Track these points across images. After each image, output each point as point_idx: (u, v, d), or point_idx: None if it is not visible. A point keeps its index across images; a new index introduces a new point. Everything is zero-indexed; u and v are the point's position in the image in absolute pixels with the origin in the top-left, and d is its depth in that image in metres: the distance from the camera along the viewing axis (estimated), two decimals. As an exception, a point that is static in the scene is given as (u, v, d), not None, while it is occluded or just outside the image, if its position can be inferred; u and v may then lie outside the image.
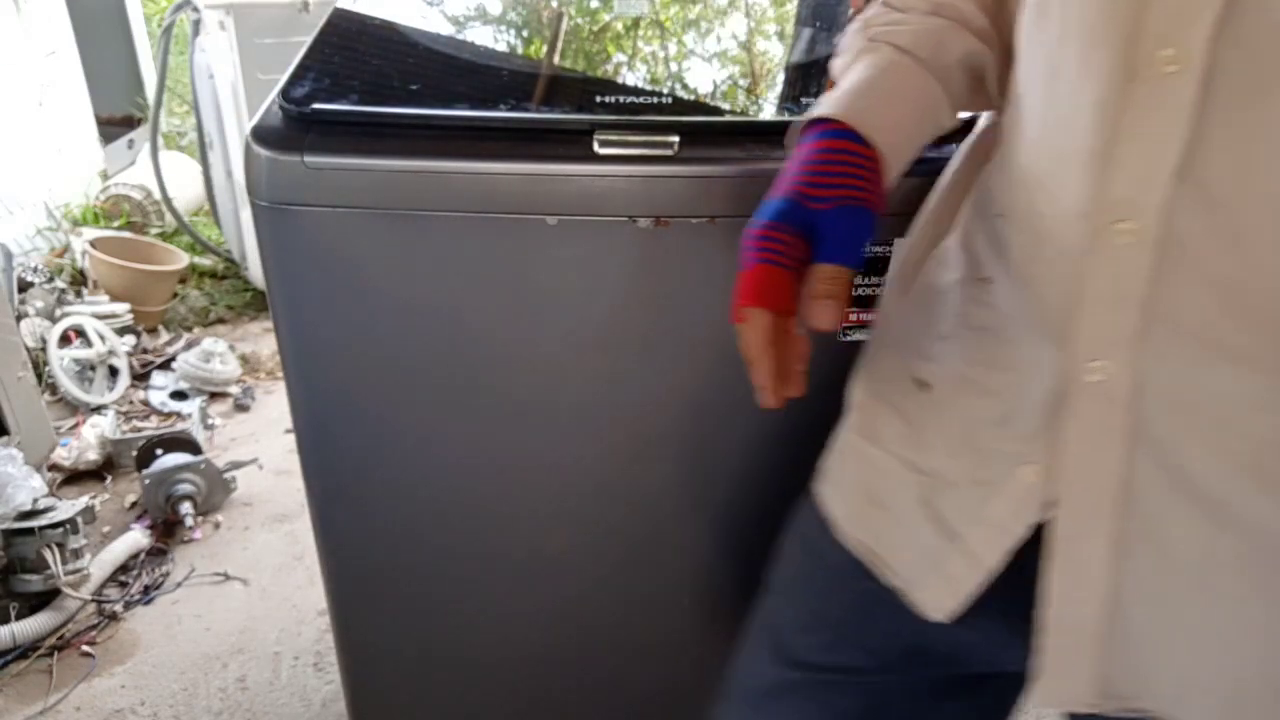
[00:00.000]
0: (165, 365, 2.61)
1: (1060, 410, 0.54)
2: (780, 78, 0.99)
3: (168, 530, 1.99)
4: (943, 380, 0.63)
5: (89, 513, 1.79)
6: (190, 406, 2.38)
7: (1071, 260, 0.51)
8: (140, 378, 2.57)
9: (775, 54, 1.03)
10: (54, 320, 2.51)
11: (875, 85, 0.62)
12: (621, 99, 0.88)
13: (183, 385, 2.51)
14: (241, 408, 2.50)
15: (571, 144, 0.81)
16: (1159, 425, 0.50)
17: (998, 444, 0.58)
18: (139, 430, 2.28)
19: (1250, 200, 0.44)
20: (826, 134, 0.60)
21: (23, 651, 1.66)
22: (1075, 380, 0.52)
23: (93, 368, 2.47)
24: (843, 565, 0.68)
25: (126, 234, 3.11)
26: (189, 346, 2.63)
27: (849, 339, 0.87)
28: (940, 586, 0.61)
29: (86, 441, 2.17)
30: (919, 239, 0.70)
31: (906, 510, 0.63)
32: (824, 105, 0.61)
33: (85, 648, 1.69)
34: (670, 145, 0.80)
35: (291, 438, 1.23)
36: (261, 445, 2.31)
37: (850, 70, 0.64)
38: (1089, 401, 0.52)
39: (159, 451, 2.06)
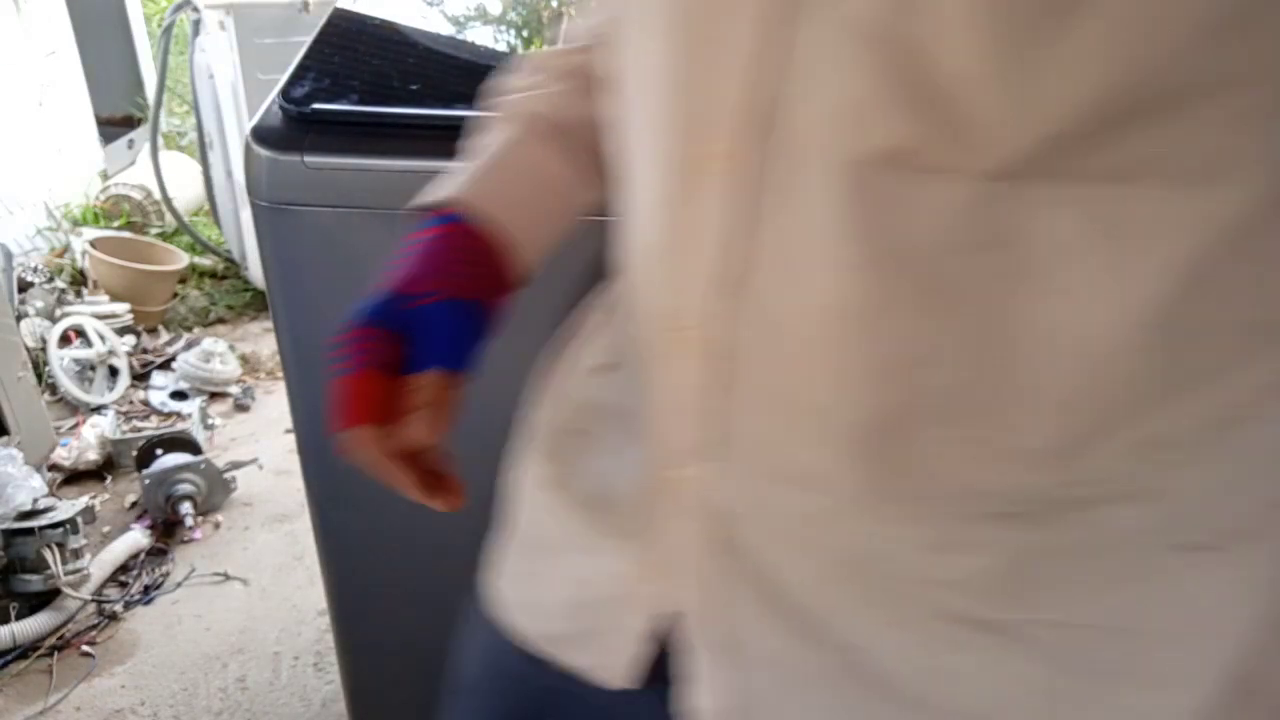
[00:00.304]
0: (165, 365, 2.61)
1: (655, 516, 0.51)
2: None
3: (168, 530, 1.99)
4: (564, 476, 0.59)
5: (89, 513, 1.79)
6: (190, 406, 2.38)
7: (650, 362, 0.48)
8: (140, 378, 2.57)
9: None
10: (54, 320, 2.51)
11: (496, 162, 0.55)
12: (621, 99, 0.88)
13: (183, 385, 2.51)
14: (241, 408, 2.50)
15: (571, 144, 0.81)
16: (745, 537, 0.48)
17: (609, 547, 0.55)
18: (139, 430, 2.29)
19: (795, 313, 0.41)
20: (438, 220, 0.53)
21: (23, 651, 1.66)
22: (663, 487, 0.50)
23: (93, 368, 2.47)
24: (520, 665, 0.63)
25: (126, 234, 3.11)
26: (189, 346, 2.63)
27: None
28: (610, 663, 0.58)
29: (86, 441, 2.17)
30: (591, 316, 0.65)
31: (565, 596, 0.59)
32: (439, 187, 0.54)
33: (85, 648, 1.69)
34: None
35: (291, 438, 1.23)
36: (261, 445, 2.31)
37: (478, 145, 0.57)
38: (676, 509, 0.49)
39: (159, 451, 2.06)
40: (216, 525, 2.04)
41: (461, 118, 0.85)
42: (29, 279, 2.68)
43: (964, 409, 0.41)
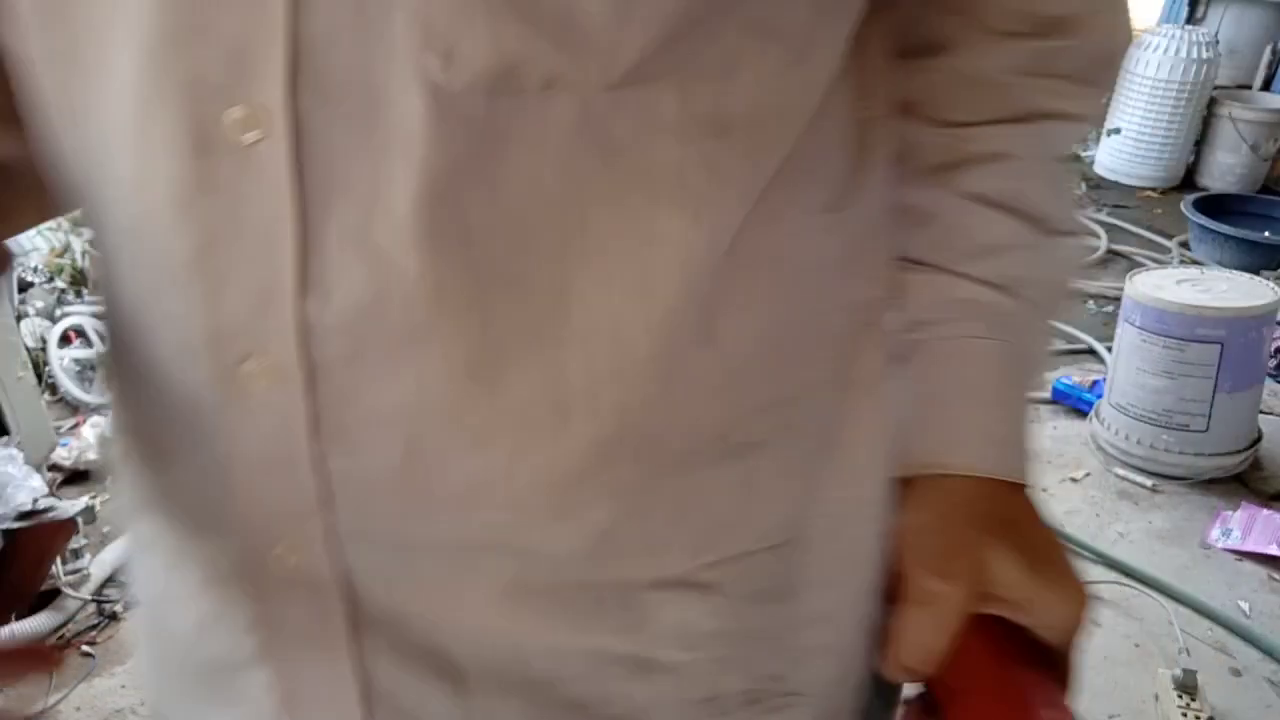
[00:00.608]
0: (165, 365, 2.61)
1: (269, 616, 0.40)
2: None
3: (168, 530, 1.99)
4: (149, 601, 0.47)
5: (89, 513, 1.79)
6: (190, 406, 2.38)
7: (207, 417, 0.37)
8: (140, 378, 2.57)
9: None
10: (54, 320, 2.51)
11: None
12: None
13: (183, 385, 2.51)
14: (241, 408, 2.49)
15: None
16: (381, 602, 0.39)
17: (228, 673, 0.43)
18: (139, 430, 2.29)
19: (370, 321, 0.33)
20: None
21: (23, 651, 1.66)
22: (266, 574, 0.39)
23: (93, 368, 2.47)
24: None
25: (126, 234, 3.11)
26: (189, 346, 2.63)
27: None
28: None
29: (86, 441, 2.17)
30: None
31: None
32: None
33: (85, 648, 1.69)
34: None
35: (291, 438, 1.24)
36: (261, 445, 2.31)
37: None
38: (293, 599, 0.39)
39: (159, 451, 2.06)
40: (216, 525, 2.04)
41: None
42: (29, 279, 2.68)
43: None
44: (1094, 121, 0.44)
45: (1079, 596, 0.39)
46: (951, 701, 0.39)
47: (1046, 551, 0.40)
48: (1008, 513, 0.41)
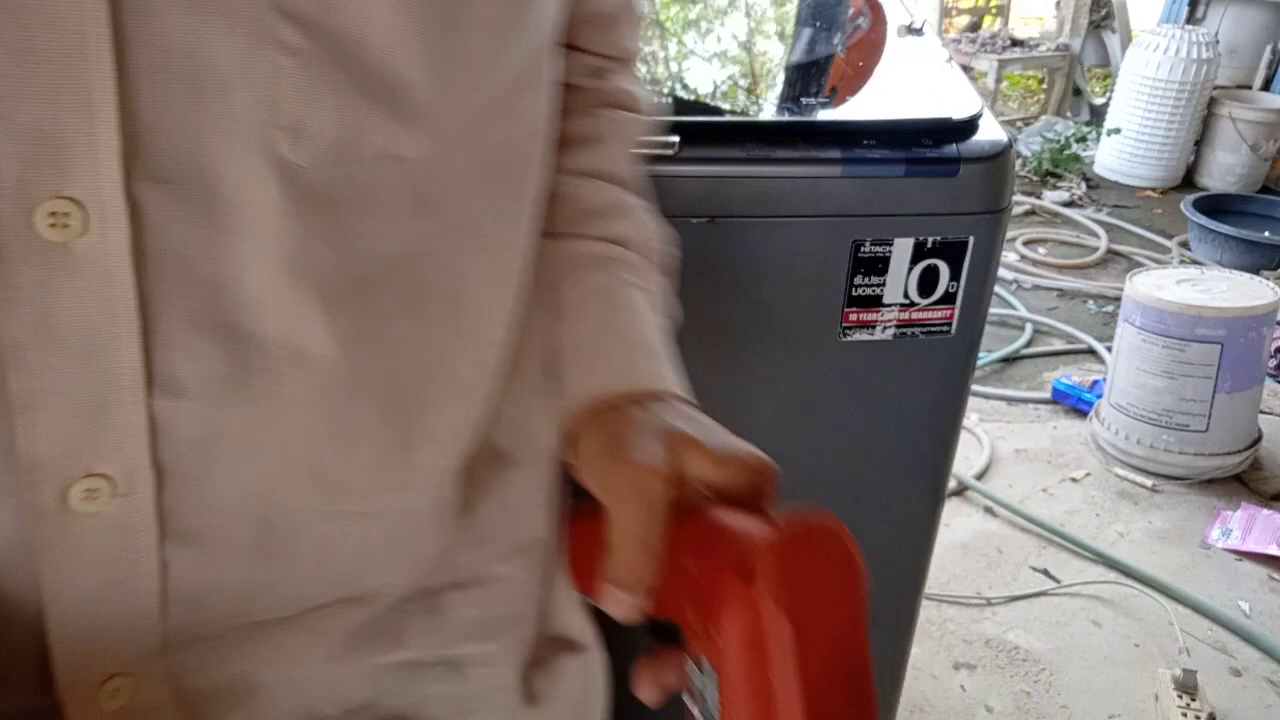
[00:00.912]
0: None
1: None
2: (780, 78, 0.99)
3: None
4: None
5: (89, 512, 1.79)
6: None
7: (10, 557, 0.33)
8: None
9: (775, 54, 1.03)
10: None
11: None
12: (621, 99, 0.88)
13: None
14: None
15: (571, 144, 0.81)
16: (222, 702, 0.38)
17: None
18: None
19: (230, 402, 0.33)
20: None
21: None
22: (94, 714, 0.35)
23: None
24: None
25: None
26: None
27: (848, 339, 0.87)
28: None
29: None
30: None
31: None
32: None
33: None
34: (671, 145, 0.80)
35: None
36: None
37: None
38: None
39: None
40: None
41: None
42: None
43: (460, 407, 0.41)
44: (652, 116, 0.54)
45: (760, 461, 0.40)
46: (688, 588, 0.38)
47: (718, 434, 0.41)
48: (672, 411, 0.43)
